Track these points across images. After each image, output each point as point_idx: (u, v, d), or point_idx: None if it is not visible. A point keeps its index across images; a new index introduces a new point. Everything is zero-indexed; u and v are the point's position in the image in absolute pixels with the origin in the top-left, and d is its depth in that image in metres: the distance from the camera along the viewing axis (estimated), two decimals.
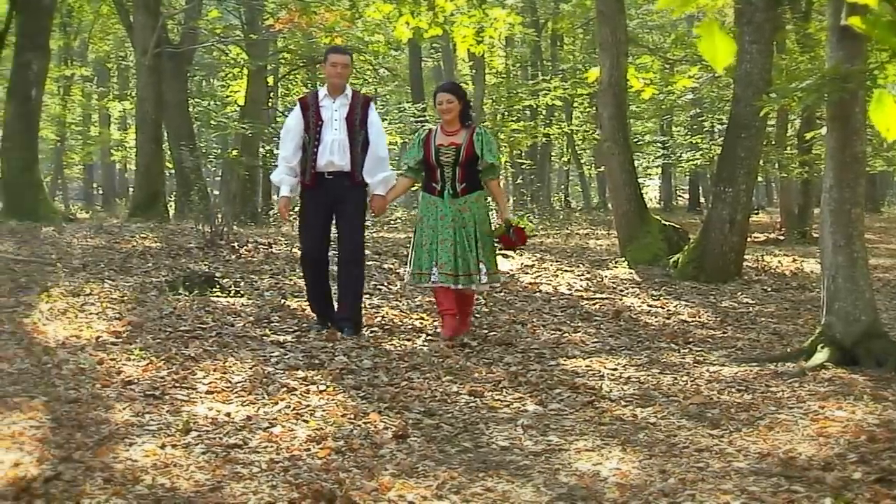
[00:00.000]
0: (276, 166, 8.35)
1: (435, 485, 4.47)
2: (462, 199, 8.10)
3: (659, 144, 35.85)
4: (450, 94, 8.24)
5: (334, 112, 8.02)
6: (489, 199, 8.50)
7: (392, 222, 21.96)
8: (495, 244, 8.32)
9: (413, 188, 8.86)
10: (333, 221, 8.15)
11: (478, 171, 8.16)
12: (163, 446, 4.92)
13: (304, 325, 8.14)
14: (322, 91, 8.20)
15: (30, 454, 4.64)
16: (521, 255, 13.61)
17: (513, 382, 6.64)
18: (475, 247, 8.05)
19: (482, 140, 8.11)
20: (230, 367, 6.68)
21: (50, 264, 10.45)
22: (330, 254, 8.38)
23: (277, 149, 8.94)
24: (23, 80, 15.57)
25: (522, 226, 8.34)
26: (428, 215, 8.17)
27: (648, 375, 6.95)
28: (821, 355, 7.05)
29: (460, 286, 8.03)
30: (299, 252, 8.59)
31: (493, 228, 8.28)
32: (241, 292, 9.56)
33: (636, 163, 16.91)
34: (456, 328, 8.09)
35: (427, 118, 25.20)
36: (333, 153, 7.94)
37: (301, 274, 8.78)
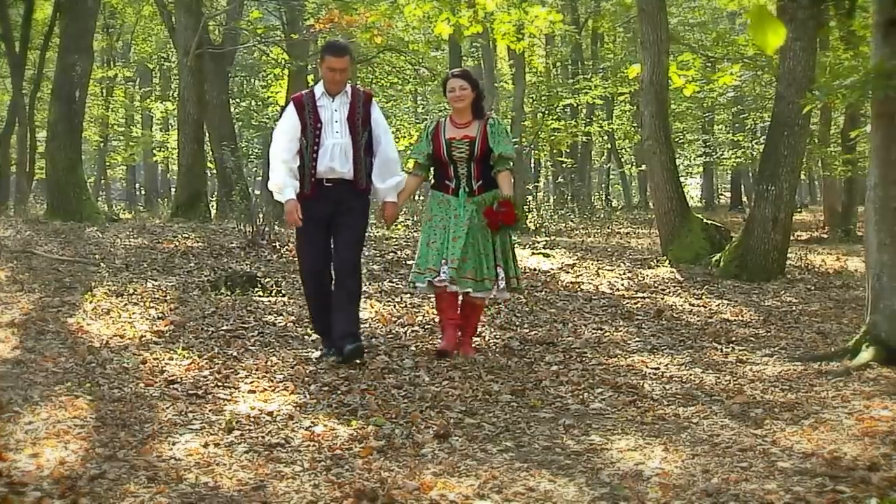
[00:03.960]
0: (272, 172, 7.17)
1: (477, 484, 4.46)
2: (479, 198, 7.31)
3: (701, 143, 35.70)
4: (463, 80, 7.42)
5: (334, 112, 7.07)
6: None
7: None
8: (515, 248, 7.69)
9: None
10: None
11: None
12: (206, 445, 4.95)
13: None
14: (319, 89, 7.16)
15: (75, 452, 4.69)
16: (562, 254, 13.59)
17: (554, 381, 6.62)
18: (492, 250, 7.28)
19: (494, 130, 7.33)
20: (272, 366, 6.71)
21: (94, 264, 10.54)
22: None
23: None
24: (67, 82, 15.67)
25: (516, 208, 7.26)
26: (439, 214, 7.39)
27: (691, 374, 6.91)
28: (866, 354, 6.97)
29: (470, 291, 7.24)
30: (300, 268, 7.58)
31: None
32: (283, 292, 9.60)
33: (678, 161, 16.80)
34: (457, 342, 7.35)
35: None
36: (334, 159, 6.99)
37: (302, 291, 7.84)
